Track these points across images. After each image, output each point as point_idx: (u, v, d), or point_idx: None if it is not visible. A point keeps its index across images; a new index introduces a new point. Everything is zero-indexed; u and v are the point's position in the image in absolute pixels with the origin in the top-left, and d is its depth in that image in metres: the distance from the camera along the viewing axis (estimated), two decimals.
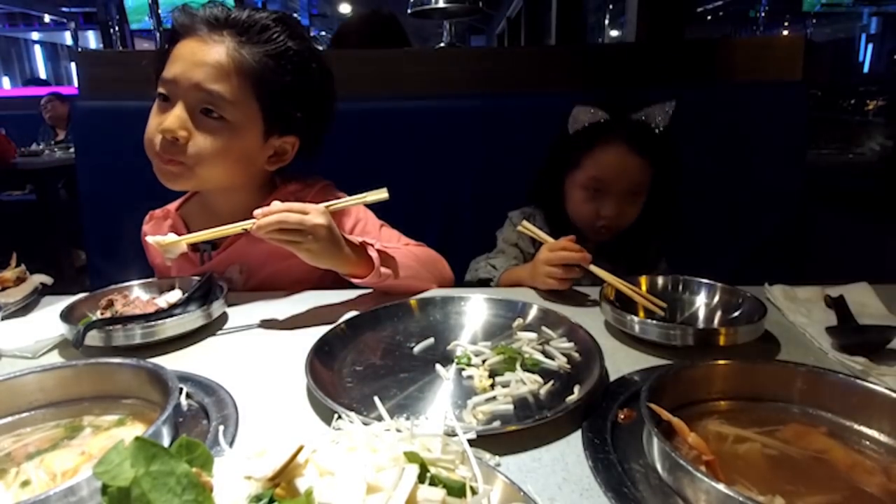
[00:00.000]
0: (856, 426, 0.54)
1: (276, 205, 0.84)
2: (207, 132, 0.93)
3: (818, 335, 0.76)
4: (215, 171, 0.96)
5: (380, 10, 1.91)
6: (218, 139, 0.93)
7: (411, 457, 0.38)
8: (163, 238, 0.87)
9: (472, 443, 0.41)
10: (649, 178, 1.14)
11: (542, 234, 1.03)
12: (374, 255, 0.92)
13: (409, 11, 2.45)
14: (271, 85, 0.95)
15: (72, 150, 3.76)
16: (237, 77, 0.92)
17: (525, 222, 1.06)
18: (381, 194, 0.90)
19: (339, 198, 0.95)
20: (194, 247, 1.03)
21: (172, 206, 1.12)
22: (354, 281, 0.94)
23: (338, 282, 0.97)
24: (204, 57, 0.91)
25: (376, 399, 0.54)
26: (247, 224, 0.85)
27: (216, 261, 1.04)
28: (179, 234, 1.06)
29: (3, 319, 0.89)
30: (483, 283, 1.14)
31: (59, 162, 3.72)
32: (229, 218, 0.92)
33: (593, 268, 0.93)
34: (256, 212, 0.83)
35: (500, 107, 1.44)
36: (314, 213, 0.85)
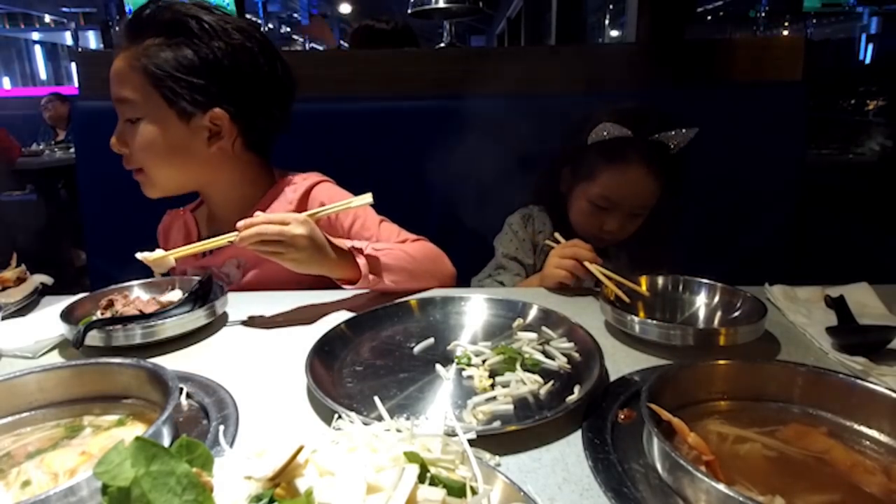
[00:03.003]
0: (856, 426, 0.54)
1: (257, 216, 0.85)
2: (137, 138, 0.97)
3: (818, 335, 0.76)
4: (163, 170, 1.00)
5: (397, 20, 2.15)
6: (144, 140, 0.97)
7: (411, 457, 0.38)
8: (150, 254, 0.87)
9: (472, 443, 0.42)
10: (657, 199, 1.14)
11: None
12: (361, 261, 0.92)
13: (409, 11, 2.45)
14: (160, 68, 0.94)
15: (72, 150, 3.76)
16: (133, 74, 0.95)
17: (556, 234, 1.08)
18: (366, 199, 0.91)
19: (336, 193, 0.95)
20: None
21: (189, 206, 1.16)
22: (347, 287, 0.94)
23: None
24: (113, 72, 0.97)
25: (376, 399, 0.54)
26: (231, 237, 0.86)
27: (215, 254, 1.06)
28: (190, 235, 1.12)
29: (3, 319, 0.89)
30: None
31: (59, 162, 3.74)
32: (229, 215, 0.93)
33: (592, 267, 0.94)
34: (239, 224, 0.85)
35: (500, 107, 1.44)
36: (294, 224, 0.85)
